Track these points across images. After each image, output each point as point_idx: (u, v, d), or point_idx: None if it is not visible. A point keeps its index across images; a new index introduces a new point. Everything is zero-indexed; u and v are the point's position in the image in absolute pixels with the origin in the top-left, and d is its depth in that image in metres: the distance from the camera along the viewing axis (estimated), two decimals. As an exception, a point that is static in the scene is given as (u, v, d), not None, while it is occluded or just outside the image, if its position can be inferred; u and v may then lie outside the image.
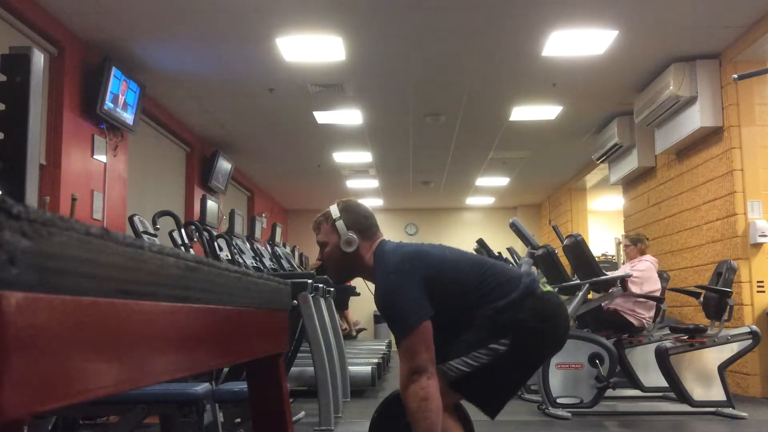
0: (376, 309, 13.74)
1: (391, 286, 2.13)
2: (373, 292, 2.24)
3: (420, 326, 2.06)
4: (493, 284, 2.16)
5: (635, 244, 5.39)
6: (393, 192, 11.67)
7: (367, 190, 11.75)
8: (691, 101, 5.75)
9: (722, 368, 4.40)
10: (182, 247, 4.24)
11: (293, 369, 4.82)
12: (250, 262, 5.64)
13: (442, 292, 2.14)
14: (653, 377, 4.82)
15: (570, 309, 4.69)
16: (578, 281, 4.75)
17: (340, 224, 2.27)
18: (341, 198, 2.41)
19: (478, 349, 2.09)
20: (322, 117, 7.27)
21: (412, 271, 2.13)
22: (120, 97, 5.48)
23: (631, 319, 4.94)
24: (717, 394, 4.38)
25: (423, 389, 2.03)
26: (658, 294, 5.07)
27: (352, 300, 9.98)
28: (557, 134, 8.00)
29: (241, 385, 2.68)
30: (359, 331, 10.54)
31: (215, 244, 4.61)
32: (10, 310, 0.37)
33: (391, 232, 13.13)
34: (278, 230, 8.58)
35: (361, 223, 2.30)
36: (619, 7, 4.78)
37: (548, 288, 2.22)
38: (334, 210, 2.31)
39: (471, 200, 12.66)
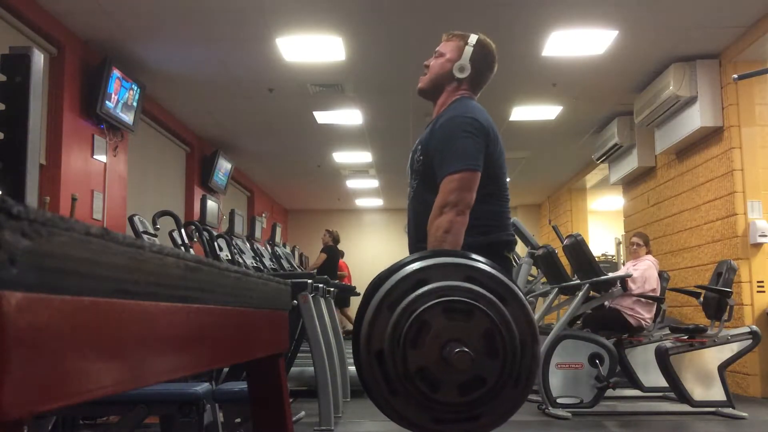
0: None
1: (467, 125, 2.11)
2: (426, 131, 2.23)
3: (476, 172, 2.04)
4: (503, 201, 2.17)
5: (633, 245, 5.42)
6: (393, 192, 11.66)
7: (367, 190, 11.74)
8: (691, 101, 5.75)
9: (722, 368, 4.40)
10: (182, 247, 4.24)
11: (293, 369, 4.82)
12: (250, 262, 5.64)
13: (485, 175, 2.10)
14: (653, 377, 4.82)
15: (570, 309, 4.70)
16: (578, 281, 4.75)
17: (468, 51, 2.26)
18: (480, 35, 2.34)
19: None
20: (321, 117, 7.27)
21: (487, 135, 2.13)
22: (120, 98, 5.48)
23: (630, 320, 4.94)
24: (717, 394, 4.38)
25: (449, 221, 1.97)
26: (656, 294, 5.07)
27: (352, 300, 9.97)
28: (557, 134, 8.00)
29: (241, 385, 2.68)
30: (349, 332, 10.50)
31: (215, 244, 4.61)
32: (10, 310, 0.37)
33: (391, 231, 13.12)
34: (278, 230, 8.58)
35: (482, 68, 2.29)
36: (619, 7, 4.78)
37: (512, 257, 2.23)
38: (473, 39, 2.27)
39: (471, 200, 12.63)
